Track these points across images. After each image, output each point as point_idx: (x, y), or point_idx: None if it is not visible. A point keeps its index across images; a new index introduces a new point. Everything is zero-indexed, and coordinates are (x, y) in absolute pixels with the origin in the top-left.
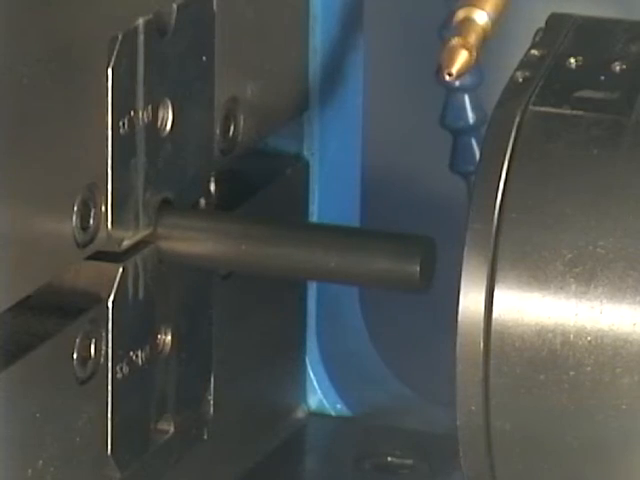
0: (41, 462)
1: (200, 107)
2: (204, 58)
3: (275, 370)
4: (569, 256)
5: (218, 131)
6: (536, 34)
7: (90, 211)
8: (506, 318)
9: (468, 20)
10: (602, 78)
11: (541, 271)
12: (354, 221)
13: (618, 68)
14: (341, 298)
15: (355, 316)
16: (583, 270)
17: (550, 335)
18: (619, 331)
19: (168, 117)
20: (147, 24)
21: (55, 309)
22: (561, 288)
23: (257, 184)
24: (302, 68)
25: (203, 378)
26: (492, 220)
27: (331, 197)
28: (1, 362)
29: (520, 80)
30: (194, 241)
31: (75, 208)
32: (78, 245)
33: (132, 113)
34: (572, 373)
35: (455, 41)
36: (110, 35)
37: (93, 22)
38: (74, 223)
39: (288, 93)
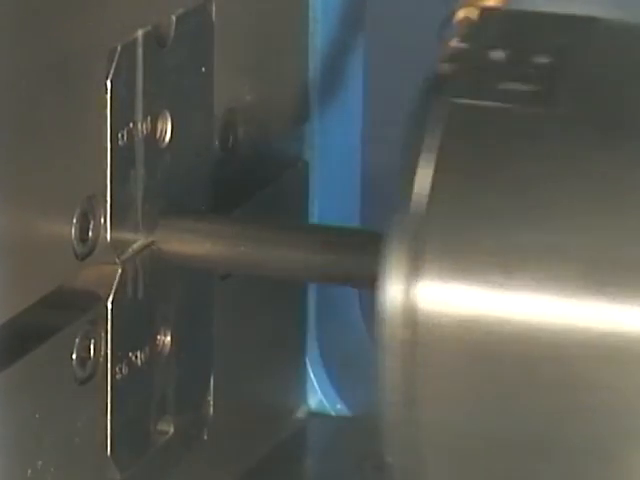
0: (41, 462)
1: (199, 118)
2: (203, 69)
3: (275, 370)
4: (493, 247)
5: (217, 142)
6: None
7: (89, 223)
8: (430, 309)
9: (468, 20)
10: (525, 70)
11: (465, 262)
12: (354, 221)
13: (543, 60)
14: (341, 298)
15: (355, 316)
16: (507, 261)
17: (474, 326)
18: (541, 321)
19: (167, 128)
20: (146, 36)
21: (55, 309)
22: (485, 279)
23: (257, 185)
24: (302, 78)
25: (203, 379)
26: (417, 212)
27: (331, 197)
28: (1, 362)
29: (445, 72)
30: (193, 242)
31: (74, 220)
32: (77, 257)
33: (131, 124)
34: (496, 364)
35: (455, 42)
36: (109, 47)
37: (92, 34)
38: (73, 235)
39: (288, 103)
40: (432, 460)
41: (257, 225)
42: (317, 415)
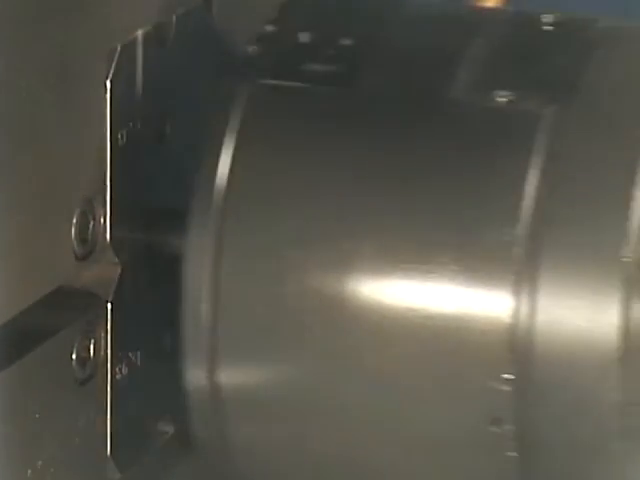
0: (41, 462)
1: (198, 118)
2: (203, 69)
3: None
4: (291, 227)
5: None
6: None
7: (89, 223)
8: (233, 287)
9: None
10: (332, 52)
11: (266, 240)
12: None
13: (348, 42)
14: None
15: None
16: (304, 240)
17: (274, 303)
18: (329, 297)
19: (167, 128)
20: (146, 35)
21: (55, 309)
22: (283, 258)
23: None
24: None
25: None
26: (218, 190)
27: None
28: (1, 362)
29: (252, 54)
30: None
31: (74, 220)
32: (77, 257)
33: (131, 124)
34: (294, 337)
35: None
36: (109, 47)
37: (92, 34)
38: (73, 235)
39: None
40: (232, 429)
41: None
42: None
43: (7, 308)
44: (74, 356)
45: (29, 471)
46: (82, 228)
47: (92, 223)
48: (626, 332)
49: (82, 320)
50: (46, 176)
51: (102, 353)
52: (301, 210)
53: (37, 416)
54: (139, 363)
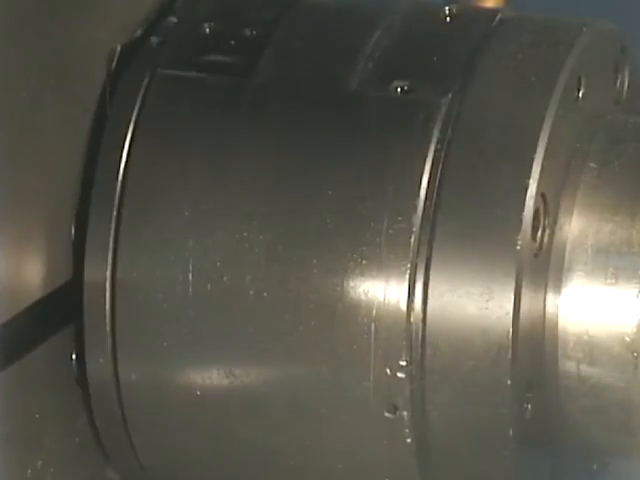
0: (41, 462)
1: None
2: None
3: None
4: (188, 214)
5: None
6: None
7: None
8: (129, 275)
9: None
10: (232, 42)
11: (162, 229)
12: None
13: (249, 33)
14: None
15: None
16: (199, 229)
17: (168, 289)
18: (223, 285)
19: None
20: (146, 35)
21: (55, 309)
22: (179, 245)
23: None
24: None
25: None
26: (116, 179)
27: None
28: (1, 362)
29: (154, 45)
30: None
31: (74, 220)
32: None
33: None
34: (186, 324)
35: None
36: (109, 47)
37: (92, 34)
38: (73, 236)
39: None
40: (132, 416)
41: None
42: None
43: (7, 308)
44: (74, 356)
45: (29, 471)
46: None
47: None
48: (518, 318)
49: (82, 320)
50: (46, 176)
51: None
52: (195, 199)
53: (37, 416)
54: None
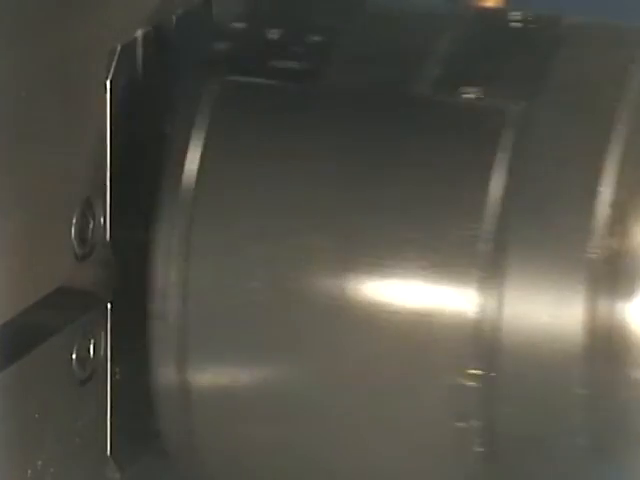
0: (41, 462)
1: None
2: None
3: None
4: (258, 223)
5: None
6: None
7: (89, 223)
8: (199, 282)
9: None
10: (298, 48)
11: (233, 237)
12: None
13: (314, 39)
14: None
15: None
16: (271, 236)
17: (238, 295)
18: (294, 294)
19: (167, 128)
20: (146, 36)
21: (55, 309)
22: (250, 254)
23: None
24: None
25: None
26: (186, 187)
27: None
28: (1, 362)
29: (219, 51)
30: None
31: (74, 220)
32: (77, 257)
33: (131, 124)
34: (251, 333)
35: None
36: (109, 47)
37: (92, 34)
38: (73, 235)
39: None
40: (200, 425)
41: None
42: None
43: (7, 308)
44: (74, 356)
45: (29, 471)
46: (82, 228)
47: (92, 223)
48: (591, 328)
49: (82, 320)
50: (46, 176)
51: (102, 353)
52: (267, 206)
53: (37, 416)
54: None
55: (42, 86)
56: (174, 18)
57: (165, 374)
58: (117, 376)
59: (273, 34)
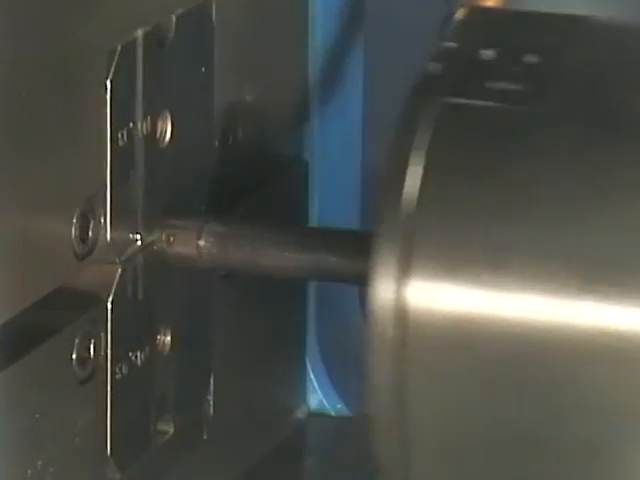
0: (41, 462)
1: (199, 118)
2: (203, 69)
3: (275, 370)
4: (482, 245)
5: (217, 142)
6: (443, 24)
7: (89, 223)
8: (419, 307)
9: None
10: (515, 70)
11: (455, 260)
12: (354, 221)
13: (531, 60)
14: (341, 298)
15: (355, 316)
16: (495, 260)
17: (463, 324)
18: (530, 320)
19: (167, 128)
20: (146, 36)
21: (55, 309)
22: (473, 277)
23: (257, 184)
24: (302, 78)
25: (203, 378)
26: (406, 211)
27: (331, 197)
28: (1, 362)
29: (433, 72)
30: (193, 243)
31: (74, 220)
32: (77, 257)
33: (131, 124)
34: (485, 362)
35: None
36: (109, 47)
37: (92, 34)
38: (73, 235)
39: (287, 103)
40: (420, 459)
41: (257, 225)
42: (317, 415)
43: (7, 308)
44: (74, 356)
45: (29, 471)
46: (82, 228)
47: (92, 223)
48: None
49: (82, 320)
50: (46, 176)
51: (102, 353)
52: (487, 229)
53: (37, 416)
54: (139, 363)
55: (42, 86)
56: (174, 18)
57: (383, 404)
58: (117, 376)
59: (487, 54)
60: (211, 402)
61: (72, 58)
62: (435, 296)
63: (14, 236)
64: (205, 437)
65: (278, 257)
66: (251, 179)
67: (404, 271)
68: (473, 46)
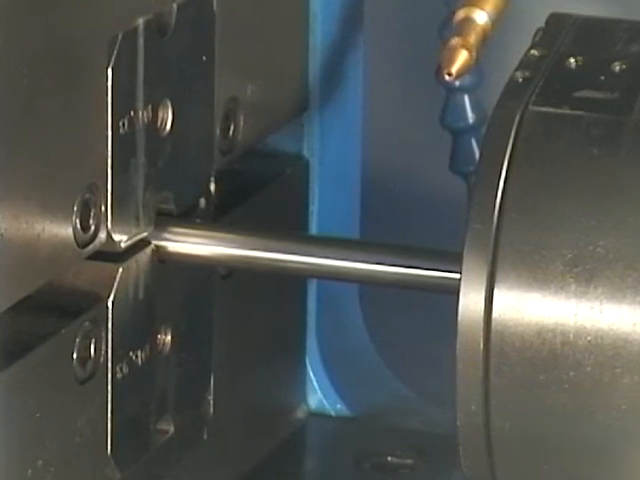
0: (41, 462)
1: (200, 107)
2: (204, 58)
3: (275, 370)
4: (569, 256)
5: (218, 131)
6: (536, 34)
7: (90, 211)
8: (506, 318)
9: (468, 20)
10: (602, 78)
11: (541, 271)
12: (354, 221)
13: (618, 68)
14: (341, 298)
15: (355, 316)
16: (583, 270)
17: (550, 335)
18: (619, 331)
19: (168, 117)
20: (147, 24)
21: (55, 309)
22: (561, 288)
23: (257, 184)
24: (302, 68)
25: (203, 378)
26: (492, 220)
27: (331, 197)
28: (1, 362)
29: (520, 80)
30: (194, 243)
31: (75, 208)
32: (78, 245)
33: (132, 113)
34: (572, 373)
35: (455, 41)
36: (110, 35)
37: (93, 22)
38: (74, 223)
39: (288, 93)
40: (503, 468)
41: (258, 226)
42: (317, 415)
43: (9, 295)
44: (74, 356)
45: (29, 471)
46: (83, 216)
47: (93, 211)
48: None
49: (82, 320)
50: (47, 164)
51: (103, 352)
52: (576, 241)
53: (37, 416)
54: (140, 362)
55: (43, 73)
56: (175, 7)
57: (469, 414)
58: (118, 375)
59: (572, 62)
60: (211, 401)
61: (73, 46)
62: (522, 306)
63: (15, 224)
64: (205, 437)
65: (278, 257)
66: (251, 178)
67: (491, 282)
68: (560, 54)
